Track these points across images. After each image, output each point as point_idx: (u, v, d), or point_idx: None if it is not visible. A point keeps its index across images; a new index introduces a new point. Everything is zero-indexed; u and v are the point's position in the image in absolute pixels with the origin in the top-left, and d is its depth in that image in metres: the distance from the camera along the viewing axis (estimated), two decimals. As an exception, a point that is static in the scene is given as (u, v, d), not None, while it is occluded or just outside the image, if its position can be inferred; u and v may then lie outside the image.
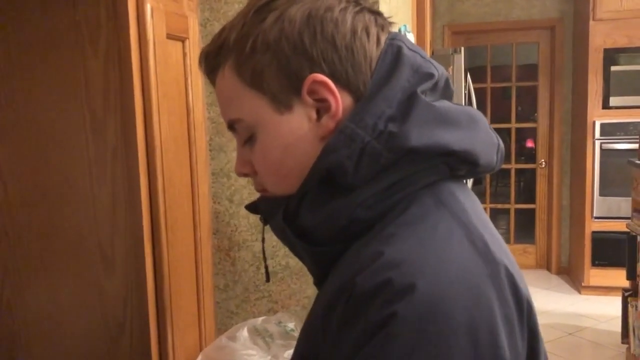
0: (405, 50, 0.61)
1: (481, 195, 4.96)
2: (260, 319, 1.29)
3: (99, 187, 1.18)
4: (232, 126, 0.66)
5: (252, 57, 0.61)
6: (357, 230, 0.57)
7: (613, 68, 4.07)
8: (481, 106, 4.61)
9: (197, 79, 1.42)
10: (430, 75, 0.61)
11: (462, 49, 2.70)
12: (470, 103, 3.33)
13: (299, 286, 1.59)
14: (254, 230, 1.61)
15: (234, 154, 1.72)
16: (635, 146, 3.63)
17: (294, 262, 1.60)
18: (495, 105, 4.90)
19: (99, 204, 1.18)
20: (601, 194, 4.08)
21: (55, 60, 1.15)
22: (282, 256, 1.60)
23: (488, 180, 5.04)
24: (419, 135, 0.56)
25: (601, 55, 4.03)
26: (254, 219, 1.61)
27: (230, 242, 1.63)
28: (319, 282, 0.66)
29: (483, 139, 0.61)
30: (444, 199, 0.57)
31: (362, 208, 0.57)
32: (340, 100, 0.59)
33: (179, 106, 1.36)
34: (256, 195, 0.69)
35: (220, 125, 1.60)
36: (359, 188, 0.57)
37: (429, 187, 0.58)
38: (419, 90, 0.59)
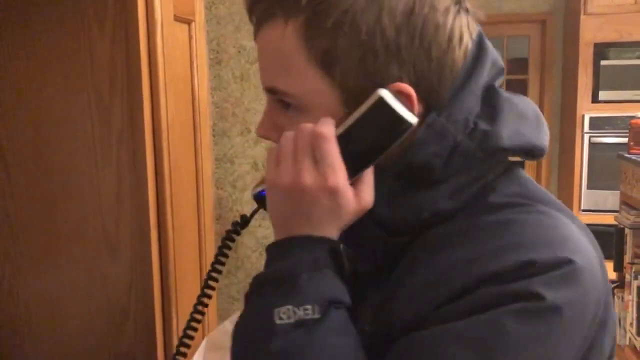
0: (486, 40, 0.58)
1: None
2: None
3: (104, 170, 1.16)
4: (273, 92, 0.57)
5: (333, 36, 0.52)
6: (437, 220, 0.55)
7: (603, 62, 4.10)
8: (472, 98, 4.60)
9: (203, 62, 1.40)
10: (502, 70, 0.59)
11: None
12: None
13: (302, 273, 1.59)
14: (257, 216, 1.59)
15: (238, 139, 1.71)
16: (623, 140, 3.67)
17: (297, 249, 1.58)
18: (485, 97, 4.90)
19: (103, 188, 1.16)
20: (589, 187, 4.13)
21: (60, 41, 1.13)
22: (285, 243, 1.59)
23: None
24: (509, 135, 0.55)
25: (591, 50, 4.06)
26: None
27: (232, 228, 1.61)
28: (377, 270, 0.61)
29: (545, 132, 0.61)
30: (526, 184, 0.58)
31: (446, 200, 0.55)
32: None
33: (185, 90, 1.34)
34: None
35: (224, 110, 1.59)
36: (443, 182, 0.55)
37: (504, 174, 0.58)
38: (496, 84, 0.57)
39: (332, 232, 0.54)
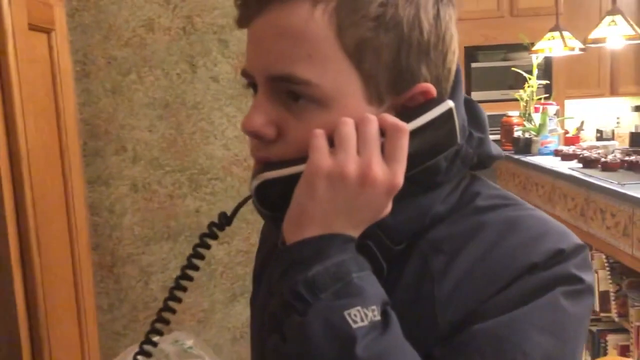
0: None
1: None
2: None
3: (-50, 205, 0.99)
4: (286, 80, 0.50)
5: (373, 26, 0.49)
6: (430, 225, 0.55)
7: (473, 65, 4.35)
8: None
9: (67, 76, 1.26)
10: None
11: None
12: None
13: (193, 300, 1.48)
14: (140, 242, 1.47)
15: (113, 159, 1.56)
16: (496, 137, 3.91)
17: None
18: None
19: (-49, 226, 1.00)
20: (467, 183, 4.35)
21: None
22: (174, 268, 1.48)
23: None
24: (493, 144, 0.58)
25: (462, 53, 4.29)
26: (139, 229, 1.46)
27: (112, 257, 1.47)
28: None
29: None
30: (496, 187, 0.60)
31: (441, 204, 0.55)
32: None
33: (47, 108, 1.19)
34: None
35: (95, 127, 1.44)
36: (440, 186, 0.55)
37: (474, 179, 0.59)
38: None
39: (359, 232, 0.51)
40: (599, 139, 4.99)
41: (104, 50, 1.42)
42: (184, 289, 0.61)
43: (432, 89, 0.52)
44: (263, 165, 0.54)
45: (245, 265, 1.48)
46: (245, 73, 0.54)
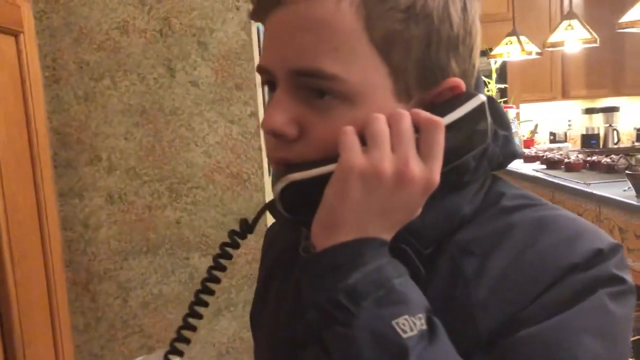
0: None
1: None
2: (139, 359, 1.11)
3: None
4: (311, 75, 0.48)
5: (403, 18, 0.47)
6: (457, 226, 0.53)
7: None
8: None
9: (37, 81, 1.18)
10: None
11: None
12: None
13: (175, 316, 1.40)
14: (117, 257, 1.39)
15: (86, 170, 1.47)
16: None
17: (168, 289, 1.41)
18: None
19: None
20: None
21: None
22: (154, 283, 1.40)
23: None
24: (516, 143, 0.57)
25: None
26: (116, 244, 1.38)
27: (88, 273, 1.38)
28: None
29: None
30: (518, 187, 0.58)
31: (468, 204, 0.53)
32: None
33: (17, 114, 1.11)
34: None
35: (67, 136, 1.36)
36: (467, 186, 0.53)
37: (497, 179, 0.57)
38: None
39: (392, 234, 0.48)
40: (552, 141, 5.13)
41: (75, 54, 1.34)
42: (206, 304, 0.57)
43: (462, 84, 0.50)
44: (284, 166, 0.50)
45: (230, 278, 1.42)
46: (262, 69, 0.51)
